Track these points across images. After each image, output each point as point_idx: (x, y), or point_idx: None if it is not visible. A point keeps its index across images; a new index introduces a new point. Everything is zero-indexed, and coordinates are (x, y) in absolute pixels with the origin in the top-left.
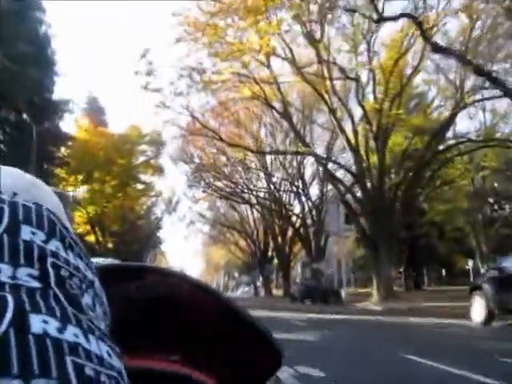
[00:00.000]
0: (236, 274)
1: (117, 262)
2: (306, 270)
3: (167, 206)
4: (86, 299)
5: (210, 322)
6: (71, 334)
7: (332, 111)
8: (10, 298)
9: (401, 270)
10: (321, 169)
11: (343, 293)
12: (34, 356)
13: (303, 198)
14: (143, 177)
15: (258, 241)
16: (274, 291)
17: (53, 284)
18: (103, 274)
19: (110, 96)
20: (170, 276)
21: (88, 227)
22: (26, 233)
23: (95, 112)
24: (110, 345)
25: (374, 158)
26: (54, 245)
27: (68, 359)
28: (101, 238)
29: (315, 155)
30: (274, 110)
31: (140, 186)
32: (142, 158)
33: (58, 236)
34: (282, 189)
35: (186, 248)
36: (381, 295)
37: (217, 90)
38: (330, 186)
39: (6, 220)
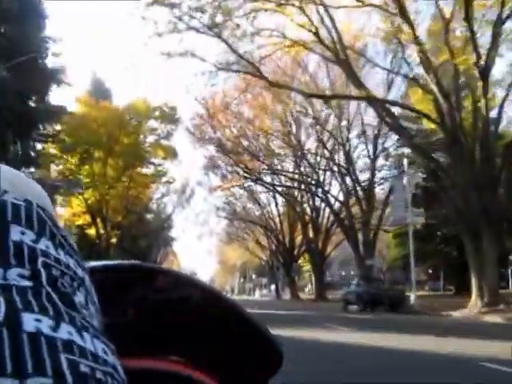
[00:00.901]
0: (253, 276)
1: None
2: (362, 267)
3: (180, 198)
4: (79, 297)
5: (212, 323)
6: (65, 331)
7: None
8: (0, 298)
9: None
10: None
11: (412, 297)
12: (28, 354)
13: (347, 180)
14: (152, 160)
15: (282, 236)
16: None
17: (45, 283)
18: (112, 275)
19: (117, 78)
20: (175, 277)
21: (87, 217)
22: (15, 233)
23: (100, 94)
24: (104, 342)
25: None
26: (44, 244)
27: (62, 357)
28: (102, 231)
29: (383, 100)
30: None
31: (149, 171)
32: (151, 138)
33: (48, 234)
34: (319, 167)
35: (198, 248)
36: (483, 301)
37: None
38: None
39: None
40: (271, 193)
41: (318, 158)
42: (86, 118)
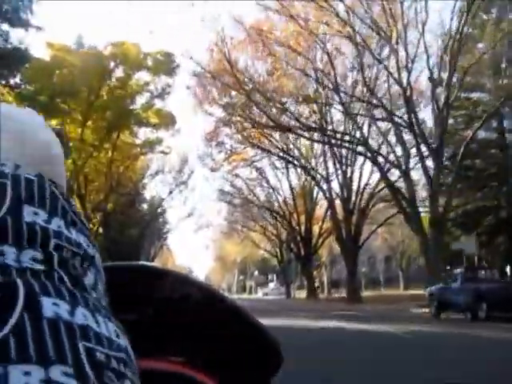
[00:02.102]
0: (256, 272)
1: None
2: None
3: (177, 177)
4: (89, 278)
5: (212, 323)
6: (81, 315)
7: None
8: (19, 282)
9: None
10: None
11: None
12: (49, 341)
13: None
14: (144, 125)
15: (298, 223)
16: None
17: (56, 266)
18: (112, 274)
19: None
20: (175, 277)
21: None
22: (28, 214)
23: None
24: (115, 323)
25: None
26: (56, 223)
27: (80, 344)
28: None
29: None
30: None
31: (139, 141)
32: (142, 99)
33: (60, 213)
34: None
35: (194, 243)
36: None
37: None
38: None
39: (8, 200)
40: (284, 170)
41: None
42: (56, 62)
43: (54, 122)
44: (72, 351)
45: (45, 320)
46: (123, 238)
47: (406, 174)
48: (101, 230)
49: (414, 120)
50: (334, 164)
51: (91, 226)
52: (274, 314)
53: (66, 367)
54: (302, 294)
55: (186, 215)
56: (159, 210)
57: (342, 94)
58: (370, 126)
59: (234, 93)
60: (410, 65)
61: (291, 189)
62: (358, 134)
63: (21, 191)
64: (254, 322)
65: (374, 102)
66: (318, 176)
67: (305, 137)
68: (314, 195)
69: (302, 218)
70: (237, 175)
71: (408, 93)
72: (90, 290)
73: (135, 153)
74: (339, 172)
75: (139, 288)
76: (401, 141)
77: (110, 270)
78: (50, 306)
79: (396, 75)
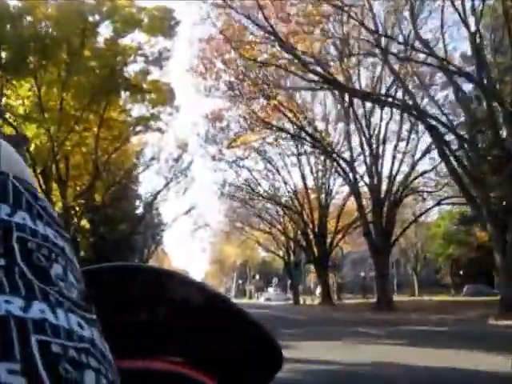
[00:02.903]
0: (257, 276)
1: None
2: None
3: (174, 166)
4: (56, 269)
5: (211, 323)
6: (37, 310)
7: None
8: None
9: None
10: None
11: None
12: None
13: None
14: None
15: (311, 219)
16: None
17: (18, 259)
18: (113, 274)
19: None
20: (172, 277)
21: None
22: None
23: None
24: (81, 314)
25: None
26: (20, 216)
27: (33, 338)
28: (60, 203)
29: None
30: None
31: (129, 119)
32: (134, 67)
33: (25, 206)
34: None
35: (190, 245)
36: None
37: None
38: None
39: None
40: (295, 159)
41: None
42: (26, 10)
43: (26, 85)
44: (22, 346)
45: None
46: (113, 234)
47: (472, 145)
48: (87, 224)
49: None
50: (361, 144)
51: (75, 218)
52: (311, 330)
53: (13, 364)
54: (308, 299)
55: (183, 211)
56: (154, 204)
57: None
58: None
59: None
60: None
61: (303, 178)
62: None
63: None
64: (255, 321)
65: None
66: (340, 160)
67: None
68: (331, 185)
69: (315, 215)
70: (241, 165)
71: (478, 39)
72: (56, 280)
73: (126, 133)
74: (367, 153)
75: (139, 288)
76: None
77: (109, 270)
78: (1, 305)
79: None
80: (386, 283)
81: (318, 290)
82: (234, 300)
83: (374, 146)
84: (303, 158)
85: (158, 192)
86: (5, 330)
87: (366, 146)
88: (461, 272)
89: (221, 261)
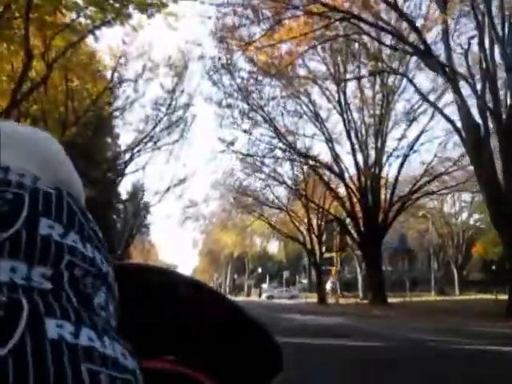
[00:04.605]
0: (259, 269)
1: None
2: None
3: (166, 103)
4: (99, 298)
5: (211, 323)
6: (86, 337)
7: None
8: (24, 301)
9: None
10: None
11: None
12: (50, 364)
13: None
14: None
15: (358, 186)
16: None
17: (66, 285)
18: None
19: None
20: (170, 275)
21: None
22: (43, 227)
23: None
24: (123, 344)
25: None
26: (71, 238)
27: (83, 367)
28: None
29: None
30: None
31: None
32: None
33: (77, 228)
34: None
35: (180, 237)
36: None
37: None
38: None
39: (25, 212)
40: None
41: None
42: None
43: None
44: (74, 374)
45: (47, 341)
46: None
47: None
48: None
49: None
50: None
51: None
52: None
53: None
54: (329, 297)
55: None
56: (133, 164)
57: None
58: None
59: None
60: None
61: (349, 137)
62: None
63: (39, 204)
64: (255, 322)
65: None
66: None
67: None
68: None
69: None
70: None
71: None
72: (99, 310)
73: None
74: None
75: (138, 288)
76: None
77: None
78: (53, 328)
79: None
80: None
81: (328, 286)
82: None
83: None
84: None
85: (142, 140)
86: (57, 355)
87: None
88: (493, 267)
89: (214, 252)
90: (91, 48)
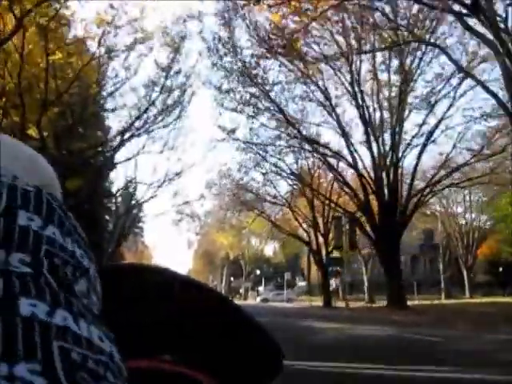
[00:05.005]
0: (257, 271)
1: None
2: None
3: (159, 81)
4: (80, 286)
5: (208, 321)
6: (60, 317)
7: None
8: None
9: None
10: None
11: None
12: (20, 339)
13: None
14: None
15: (374, 176)
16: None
17: (45, 270)
18: (109, 274)
19: None
20: (166, 274)
21: None
22: (22, 218)
23: None
24: (102, 329)
25: None
26: (50, 230)
27: (55, 343)
28: None
29: None
30: None
31: None
32: None
33: (57, 222)
34: None
35: (174, 239)
36: None
37: None
38: None
39: (3, 204)
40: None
41: None
42: None
43: None
44: (44, 349)
45: (18, 318)
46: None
47: None
48: None
49: None
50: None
51: None
52: None
53: (34, 364)
54: (317, 300)
55: (169, 175)
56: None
57: None
58: None
59: None
60: None
61: (365, 126)
62: None
63: (17, 198)
64: (255, 322)
65: None
66: None
67: None
68: None
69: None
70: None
71: None
72: (80, 296)
73: None
74: None
75: (137, 288)
76: None
77: (108, 270)
78: (26, 306)
79: None
80: None
81: (333, 287)
82: None
83: None
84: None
85: (132, 125)
86: (29, 331)
87: None
88: (500, 269)
89: (209, 254)
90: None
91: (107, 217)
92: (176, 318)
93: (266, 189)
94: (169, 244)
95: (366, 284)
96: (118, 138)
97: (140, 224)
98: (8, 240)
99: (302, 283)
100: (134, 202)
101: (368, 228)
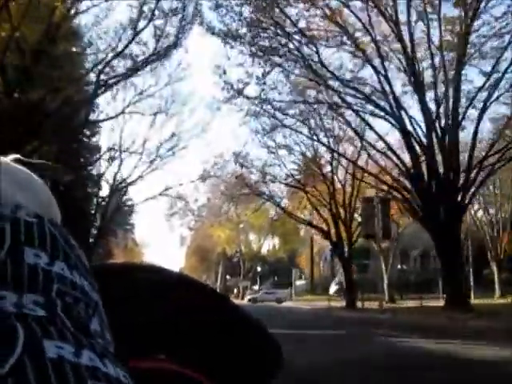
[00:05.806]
0: (258, 268)
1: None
2: None
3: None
4: (94, 325)
5: (204, 319)
6: (87, 357)
7: None
8: (18, 326)
9: None
10: None
11: None
12: (54, 381)
13: None
14: None
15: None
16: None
17: (59, 311)
18: (100, 274)
19: None
20: (159, 272)
21: None
22: (29, 256)
23: None
24: (123, 368)
25: None
26: (59, 266)
27: (90, 383)
28: None
29: None
30: None
31: None
32: None
33: (62, 256)
34: None
35: (165, 236)
36: None
37: None
38: None
39: (8, 242)
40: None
41: None
42: None
43: None
44: None
45: (48, 360)
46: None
47: None
48: None
49: None
50: None
51: None
52: None
53: None
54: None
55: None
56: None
57: None
58: None
59: None
60: None
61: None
62: None
63: (21, 234)
64: (255, 322)
65: None
66: None
67: None
68: None
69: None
70: None
71: None
72: (96, 336)
73: None
74: None
75: (136, 288)
76: None
77: (106, 270)
78: (52, 348)
79: None
80: None
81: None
82: None
83: None
84: None
85: (113, 59)
86: (61, 373)
87: None
88: None
89: (203, 250)
90: None
91: (93, 209)
92: (171, 317)
93: (274, 169)
94: (160, 241)
95: (385, 281)
96: (94, 77)
97: (131, 221)
98: (18, 281)
99: (301, 282)
100: (118, 180)
101: (416, 206)
